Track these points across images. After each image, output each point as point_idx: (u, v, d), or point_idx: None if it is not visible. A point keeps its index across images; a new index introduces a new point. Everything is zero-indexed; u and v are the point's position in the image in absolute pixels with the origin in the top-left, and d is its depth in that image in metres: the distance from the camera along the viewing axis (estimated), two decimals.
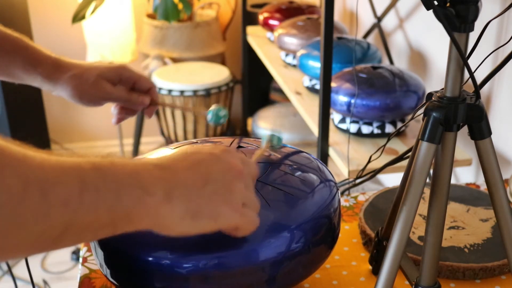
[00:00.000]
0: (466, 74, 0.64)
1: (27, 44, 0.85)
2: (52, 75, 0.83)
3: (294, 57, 2.10)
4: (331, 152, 1.47)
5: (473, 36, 0.61)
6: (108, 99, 0.84)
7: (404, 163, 0.83)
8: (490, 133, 0.66)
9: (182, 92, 2.50)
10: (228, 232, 0.57)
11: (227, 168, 0.56)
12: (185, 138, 2.65)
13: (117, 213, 0.48)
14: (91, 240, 0.49)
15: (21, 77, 0.85)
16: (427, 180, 0.68)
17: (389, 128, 1.49)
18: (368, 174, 1.05)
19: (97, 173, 0.47)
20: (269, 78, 2.68)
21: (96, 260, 0.72)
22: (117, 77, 0.84)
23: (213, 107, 0.82)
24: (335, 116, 1.55)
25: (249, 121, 2.92)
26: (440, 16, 0.60)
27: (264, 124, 2.55)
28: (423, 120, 0.66)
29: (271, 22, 2.40)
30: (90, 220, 0.46)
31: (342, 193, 1.15)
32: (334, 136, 1.52)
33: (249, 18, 2.73)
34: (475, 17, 0.60)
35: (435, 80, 1.74)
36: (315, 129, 1.57)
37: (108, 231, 0.49)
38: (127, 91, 0.85)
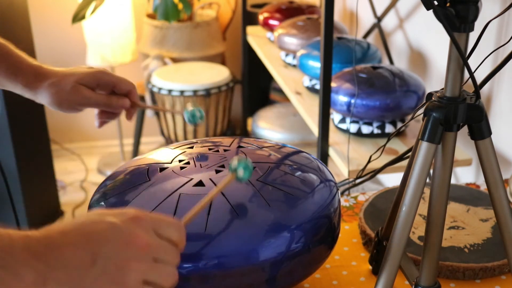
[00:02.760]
0: (466, 74, 0.64)
1: (11, 51, 0.84)
2: (31, 84, 0.83)
3: (294, 57, 2.10)
4: (331, 152, 1.47)
5: (473, 36, 0.61)
6: (87, 104, 0.84)
7: (404, 163, 0.83)
8: (490, 133, 0.66)
9: (182, 92, 2.50)
10: None
11: (124, 243, 0.48)
12: (185, 138, 2.65)
13: None
14: None
15: (3, 84, 0.85)
16: (427, 180, 0.68)
17: (389, 128, 1.49)
18: (368, 174, 1.05)
19: None
20: (269, 78, 2.68)
21: None
22: (95, 82, 0.84)
23: (189, 107, 0.83)
24: (335, 116, 1.55)
25: (249, 121, 2.92)
26: (440, 16, 0.60)
27: (264, 124, 2.55)
28: (423, 120, 0.66)
29: (271, 22, 2.40)
30: None
31: (342, 193, 1.15)
32: (334, 136, 1.52)
33: (249, 18, 2.73)
34: (475, 17, 0.60)
35: (435, 80, 1.74)
36: (315, 129, 1.57)
37: None
38: (107, 95, 0.85)
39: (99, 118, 0.88)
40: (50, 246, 0.46)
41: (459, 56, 0.62)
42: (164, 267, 0.51)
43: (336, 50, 1.55)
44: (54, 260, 0.46)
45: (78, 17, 2.50)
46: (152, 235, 0.50)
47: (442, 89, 0.66)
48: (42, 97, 0.84)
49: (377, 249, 0.86)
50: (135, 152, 2.95)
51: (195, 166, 0.76)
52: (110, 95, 0.85)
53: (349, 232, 0.99)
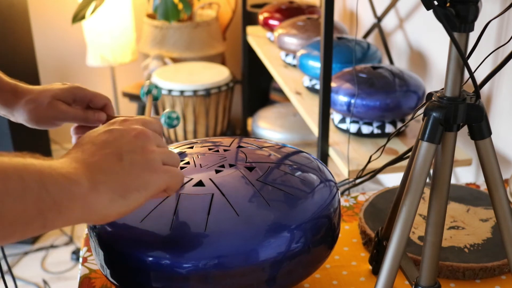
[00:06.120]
0: (466, 74, 0.64)
1: None
2: (9, 102, 0.84)
3: (294, 57, 2.10)
4: (331, 152, 1.47)
5: (473, 36, 0.61)
6: (64, 119, 0.85)
7: (404, 163, 0.83)
8: (490, 133, 0.66)
9: (182, 92, 2.50)
10: (159, 195, 0.58)
11: (133, 135, 0.57)
12: (185, 138, 2.65)
13: (45, 203, 0.48)
14: (22, 237, 0.49)
15: None
16: (427, 180, 0.68)
17: (389, 128, 1.49)
18: (368, 174, 1.05)
19: (18, 164, 0.48)
20: (269, 78, 2.68)
21: (96, 260, 0.72)
22: (72, 97, 0.85)
23: (166, 111, 0.85)
24: (335, 116, 1.55)
25: (249, 121, 2.92)
26: (440, 16, 0.60)
27: (264, 124, 2.55)
28: (423, 120, 0.66)
29: (271, 22, 2.40)
30: (18, 210, 0.46)
31: (342, 193, 1.15)
32: (334, 136, 1.52)
33: (249, 18, 2.73)
34: (475, 17, 0.60)
35: (435, 80, 1.74)
36: (315, 129, 1.57)
37: (38, 225, 0.48)
38: (83, 109, 0.86)
39: (76, 134, 0.89)
40: (81, 161, 0.53)
41: (459, 56, 0.62)
42: (166, 149, 0.59)
43: (336, 50, 1.55)
44: (92, 168, 0.53)
45: (78, 17, 2.50)
46: (145, 127, 0.60)
47: (442, 89, 0.66)
48: (19, 114, 0.85)
49: (377, 249, 0.86)
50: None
51: (195, 166, 0.76)
52: (86, 109, 0.86)
53: (349, 232, 0.99)
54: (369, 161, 0.99)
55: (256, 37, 2.60)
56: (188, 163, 0.77)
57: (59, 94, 0.84)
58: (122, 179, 0.53)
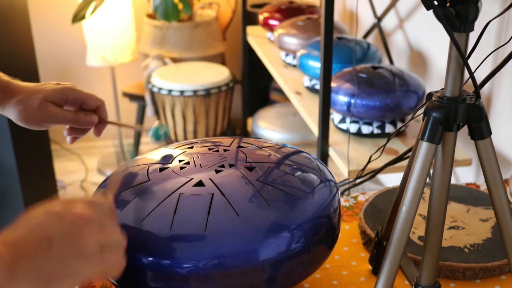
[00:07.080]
0: (466, 74, 0.64)
1: None
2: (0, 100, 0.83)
3: (294, 57, 2.10)
4: (331, 152, 1.47)
5: (473, 36, 0.61)
6: (54, 121, 0.83)
7: (404, 163, 0.83)
8: (490, 133, 0.66)
9: (182, 92, 2.50)
10: (96, 281, 0.54)
11: (70, 221, 0.53)
12: (185, 138, 2.65)
13: None
14: None
15: None
16: (427, 180, 0.68)
17: (389, 128, 1.49)
18: (368, 174, 1.05)
19: None
20: (269, 78, 2.68)
21: None
22: (63, 98, 0.83)
23: (155, 124, 0.84)
24: (335, 116, 1.55)
25: (249, 121, 2.92)
26: (440, 16, 0.60)
27: (264, 124, 2.55)
28: (423, 120, 0.66)
29: (271, 22, 2.40)
30: None
31: (342, 193, 1.15)
32: (334, 136, 1.52)
33: (249, 18, 2.73)
34: (475, 17, 0.61)
35: (435, 80, 1.74)
36: (315, 129, 1.57)
37: None
38: (75, 111, 0.84)
39: (69, 134, 0.88)
40: (6, 245, 0.49)
41: (459, 56, 0.62)
42: (111, 233, 0.55)
43: (336, 50, 1.55)
44: (16, 253, 0.48)
45: (78, 17, 2.50)
46: (89, 210, 0.55)
47: (442, 89, 0.66)
48: (9, 113, 0.83)
49: (377, 249, 0.86)
50: (135, 152, 2.95)
51: (195, 166, 0.76)
52: (78, 111, 0.84)
53: (349, 232, 0.99)
54: (369, 161, 0.99)
55: (256, 37, 2.60)
56: (188, 163, 0.77)
57: (50, 96, 0.82)
58: (48, 266, 0.50)
